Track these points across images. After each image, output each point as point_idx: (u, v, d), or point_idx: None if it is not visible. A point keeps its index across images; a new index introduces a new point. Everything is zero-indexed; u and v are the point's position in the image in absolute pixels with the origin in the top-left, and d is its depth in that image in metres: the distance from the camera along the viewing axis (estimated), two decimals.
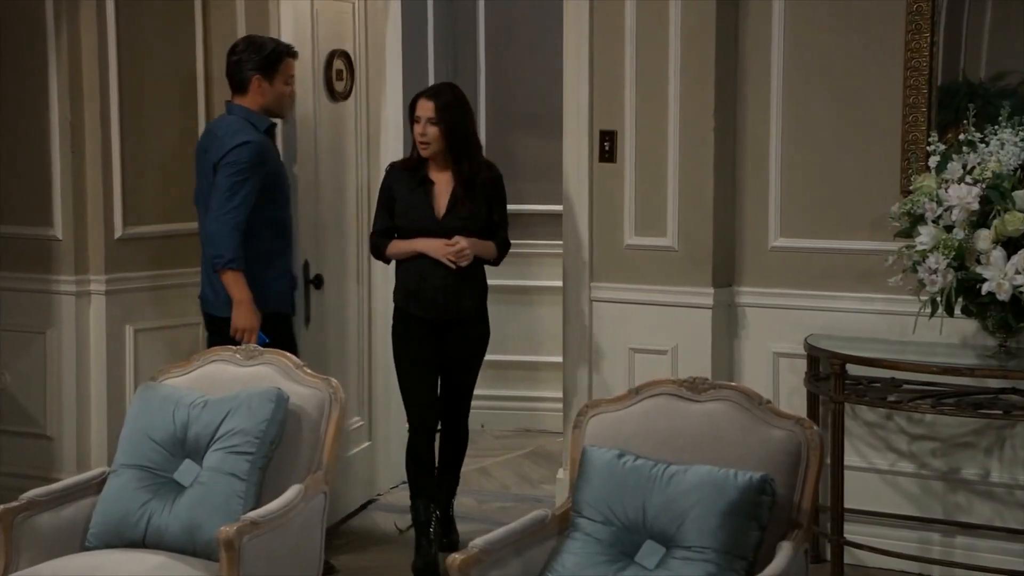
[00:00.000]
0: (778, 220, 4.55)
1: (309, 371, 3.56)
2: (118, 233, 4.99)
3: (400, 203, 4.38)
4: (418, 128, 4.32)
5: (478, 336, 4.49)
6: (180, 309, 5.09)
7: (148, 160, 5.06)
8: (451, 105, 4.29)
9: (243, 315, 4.17)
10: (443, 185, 4.36)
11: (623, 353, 4.72)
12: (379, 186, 4.49)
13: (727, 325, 4.61)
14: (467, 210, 4.33)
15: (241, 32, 5.18)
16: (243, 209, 4.15)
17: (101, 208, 4.96)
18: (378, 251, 4.45)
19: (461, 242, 4.29)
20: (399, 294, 4.44)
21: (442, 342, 4.42)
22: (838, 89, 4.43)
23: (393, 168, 4.46)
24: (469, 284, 4.40)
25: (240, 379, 3.55)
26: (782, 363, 4.56)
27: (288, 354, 3.61)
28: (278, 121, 4.44)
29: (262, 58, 4.26)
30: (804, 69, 4.48)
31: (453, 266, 4.30)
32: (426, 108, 4.31)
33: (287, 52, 4.34)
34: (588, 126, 4.70)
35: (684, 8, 4.51)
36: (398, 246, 4.40)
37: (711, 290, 4.57)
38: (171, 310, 5.10)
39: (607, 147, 4.68)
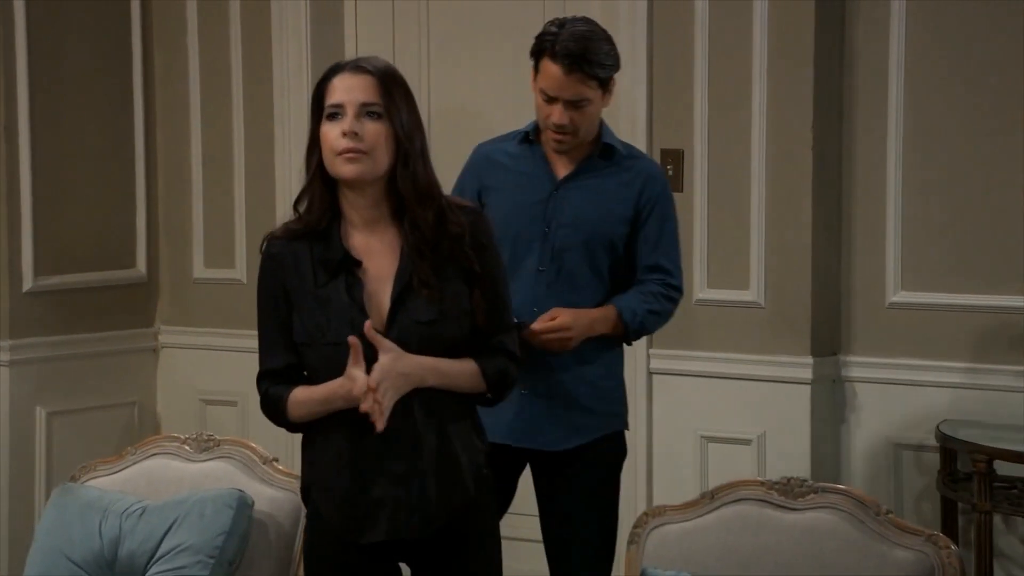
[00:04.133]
0: (899, 268, 4.55)
1: (281, 466, 3.56)
2: (27, 285, 5.03)
3: (301, 311, 2.97)
4: (339, 128, 2.92)
5: (477, 570, 3.07)
6: (110, 385, 5.13)
7: (69, 187, 5.12)
8: (399, 85, 2.97)
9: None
10: (382, 261, 2.98)
11: (692, 443, 4.70)
12: (259, 283, 3.05)
13: (831, 407, 4.59)
14: (435, 302, 2.94)
15: (192, 26, 5.32)
16: None
17: (5, 251, 5.00)
18: (276, 411, 3.03)
19: (381, 369, 2.86)
20: (313, 494, 3.04)
21: None
22: (980, 92, 4.44)
23: (276, 247, 2.99)
24: (444, 461, 2.98)
25: (189, 478, 3.52)
26: (906, 458, 4.54)
27: (252, 444, 3.62)
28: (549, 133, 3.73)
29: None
30: (934, 67, 4.50)
31: (379, 424, 2.88)
32: (356, 88, 2.93)
33: (540, 47, 3.64)
34: (646, 144, 4.72)
35: None
36: (301, 400, 2.99)
37: (810, 360, 4.55)
38: (97, 386, 5.13)
39: (671, 171, 4.70)
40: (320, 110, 2.96)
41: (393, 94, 2.95)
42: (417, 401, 2.93)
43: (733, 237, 4.66)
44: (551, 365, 3.64)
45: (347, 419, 2.92)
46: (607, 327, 3.64)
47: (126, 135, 5.28)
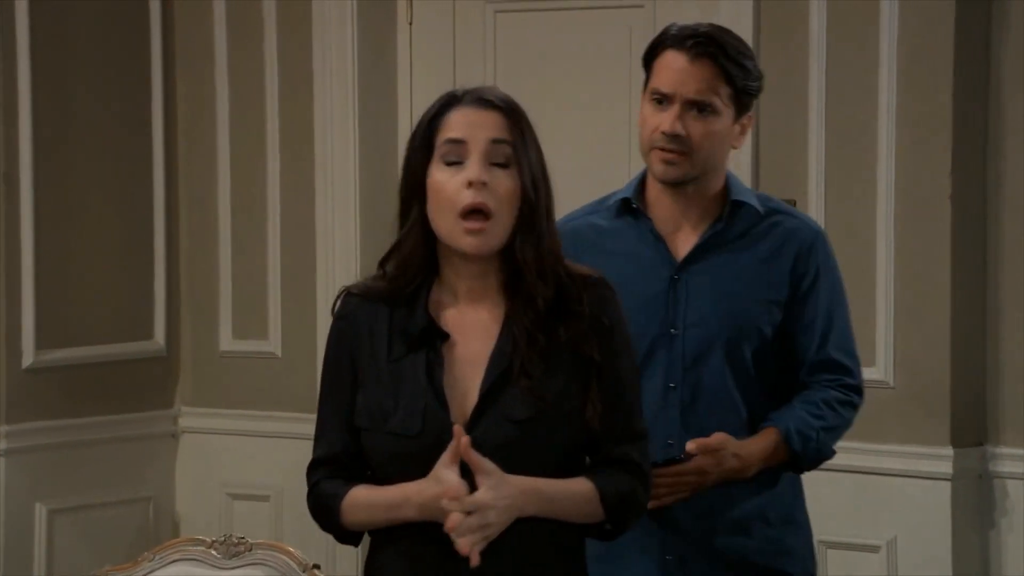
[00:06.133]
0: None
1: (323, 575, 3.48)
2: (27, 360, 5.02)
3: (367, 387, 2.78)
4: (462, 177, 2.69)
5: None
6: (122, 477, 5.09)
7: (77, 247, 5.12)
8: (528, 122, 2.81)
9: None
10: (475, 340, 2.78)
11: None
12: (326, 347, 2.87)
13: (977, 507, 4.51)
14: (536, 397, 2.71)
15: (221, 63, 5.34)
16: None
17: (3, 321, 4.99)
18: (327, 512, 2.80)
19: (482, 505, 2.64)
20: None
21: None
22: None
23: (350, 306, 2.81)
24: None
25: None
26: None
27: (289, 548, 3.54)
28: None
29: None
30: None
31: (467, 551, 2.64)
32: (481, 126, 2.74)
33: (655, 44, 3.33)
34: None
35: (905, 8, 4.48)
36: (363, 502, 2.76)
37: (950, 451, 4.48)
38: (107, 479, 5.11)
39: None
40: (429, 151, 2.71)
41: (525, 135, 2.74)
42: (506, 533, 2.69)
43: (856, 304, 4.41)
44: (699, 511, 3.24)
45: (416, 533, 2.68)
46: (767, 459, 3.22)
47: (143, 186, 5.27)
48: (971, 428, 4.50)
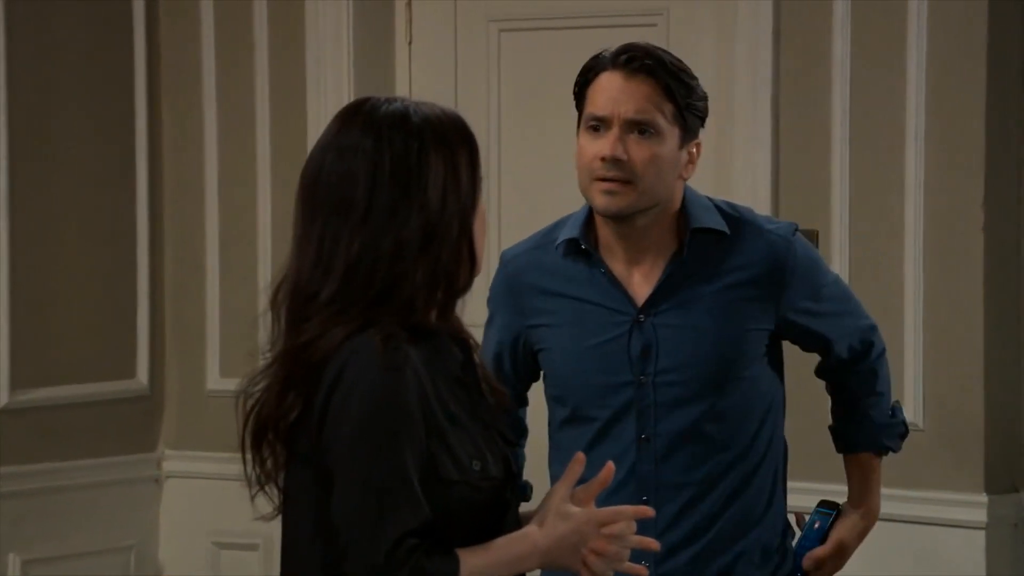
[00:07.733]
0: None
1: None
2: (2, 400, 5.02)
3: (446, 439, 2.62)
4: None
5: None
6: (101, 525, 5.11)
7: (55, 279, 5.13)
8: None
9: None
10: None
11: None
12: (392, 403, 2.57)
13: (1014, 557, 4.50)
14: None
15: (209, 80, 5.35)
16: None
17: None
18: None
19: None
20: None
21: None
22: None
23: (409, 352, 2.56)
24: None
25: None
26: None
27: None
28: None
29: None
30: None
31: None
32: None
33: (588, 70, 3.27)
34: None
35: (934, 23, 4.45)
36: (478, 568, 2.55)
37: (984, 498, 4.46)
38: (86, 526, 5.12)
39: None
40: (474, 179, 2.61)
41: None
42: None
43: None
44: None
45: None
46: (877, 483, 3.47)
47: (126, 213, 5.27)
48: (1006, 473, 4.49)
